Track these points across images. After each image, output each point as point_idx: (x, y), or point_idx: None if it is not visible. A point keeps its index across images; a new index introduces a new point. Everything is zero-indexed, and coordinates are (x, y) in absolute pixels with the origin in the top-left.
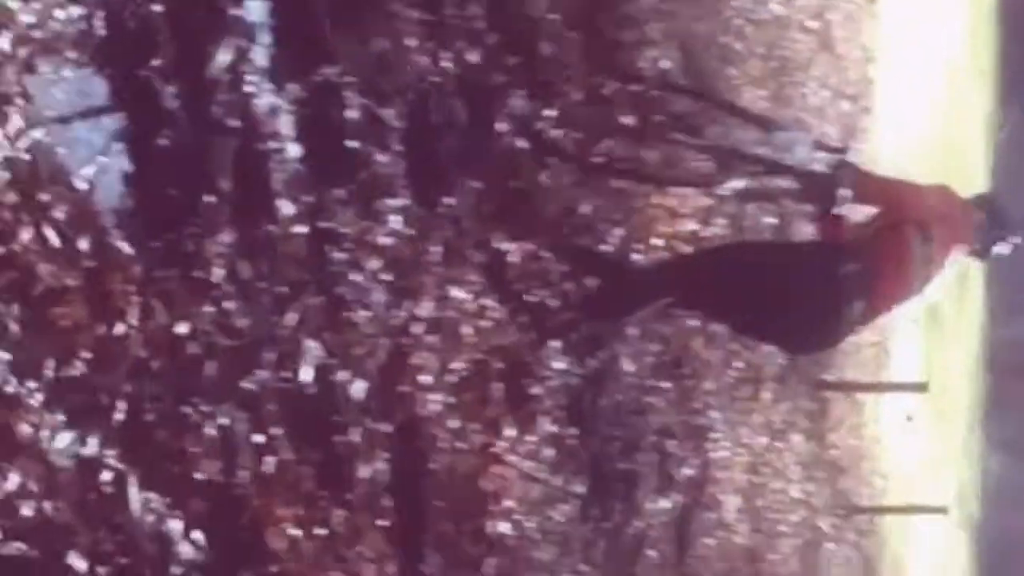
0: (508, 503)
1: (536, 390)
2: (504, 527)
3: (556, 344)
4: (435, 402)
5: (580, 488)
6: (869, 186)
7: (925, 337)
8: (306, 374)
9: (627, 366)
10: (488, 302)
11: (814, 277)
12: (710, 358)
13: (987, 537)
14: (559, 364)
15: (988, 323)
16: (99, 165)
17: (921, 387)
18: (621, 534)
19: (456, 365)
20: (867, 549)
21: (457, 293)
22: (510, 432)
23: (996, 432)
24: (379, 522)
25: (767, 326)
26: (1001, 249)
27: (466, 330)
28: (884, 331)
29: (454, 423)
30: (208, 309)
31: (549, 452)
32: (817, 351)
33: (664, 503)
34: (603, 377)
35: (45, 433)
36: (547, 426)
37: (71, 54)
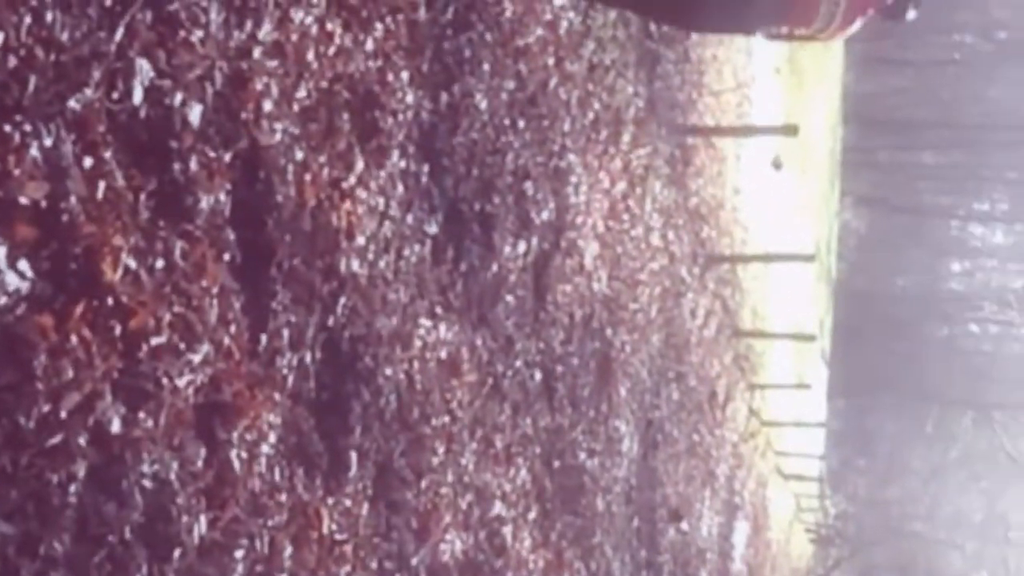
0: (359, 240)
1: (386, 123)
2: (356, 265)
3: (405, 76)
4: (278, 131)
5: (434, 228)
6: None
7: (787, 88)
8: (137, 95)
9: (481, 102)
10: (334, 27)
11: None
12: (567, 97)
13: (844, 288)
14: (410, 97)
15: (848, 77)
16: None
17: (791, 130)
18: (477, 277)
19: (300, 93)
20: (728, 299)
21: (299, 15)
22: (359, 166)
23: (853, 185)
24: (223, 255)
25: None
26: (911, 15)
27: (310, 56)
28: (746, 77)
29: (300, 154)
30: (25, 20)
31: (400, 189)
32: (727, 31)
33: (521, 247)
34: (456, 112)
35: None
36: (398, 161)
37: None
